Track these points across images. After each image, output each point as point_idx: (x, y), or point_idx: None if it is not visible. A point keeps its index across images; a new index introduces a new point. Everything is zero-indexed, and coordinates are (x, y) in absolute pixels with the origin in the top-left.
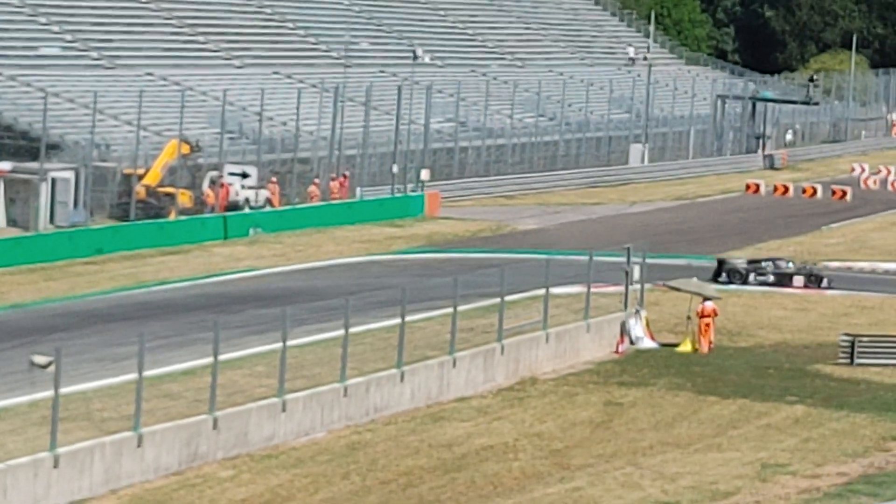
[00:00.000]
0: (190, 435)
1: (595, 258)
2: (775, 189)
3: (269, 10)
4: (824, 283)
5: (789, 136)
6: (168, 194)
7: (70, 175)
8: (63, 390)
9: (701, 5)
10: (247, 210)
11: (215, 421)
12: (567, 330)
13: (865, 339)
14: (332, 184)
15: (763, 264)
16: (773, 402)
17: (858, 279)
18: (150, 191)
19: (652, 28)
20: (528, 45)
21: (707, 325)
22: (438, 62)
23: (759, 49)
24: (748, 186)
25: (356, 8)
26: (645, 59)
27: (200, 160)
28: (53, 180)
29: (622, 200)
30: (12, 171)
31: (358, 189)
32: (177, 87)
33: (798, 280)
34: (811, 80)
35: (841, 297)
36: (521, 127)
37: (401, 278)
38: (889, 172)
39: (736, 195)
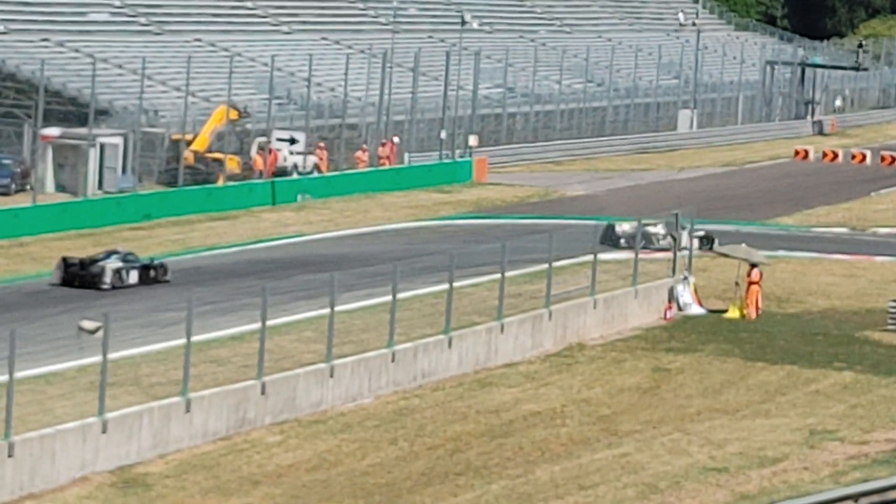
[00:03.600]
0: (238, 400)
1: (644, 224)
2: (824, 155)
3: None
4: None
5: (838, 102)
6: (216, 160)
7: (118, 141)
8: (111, 356)
9: None
10: (295, 176)
11: (263, 386)
12: (615, 296)
13: None
14: (380, 149)
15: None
16: (821, 369)
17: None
18: (199, 156)
19: None
20: (576, 11)
21: (755, 291)
22: (487, 28)
23: (808, 15)
24: (797, 152)
25: None
26: (693, 24)
27: (248, 126)
28: (102, 146)
29: (670, 166)
30: (61, 137)
31: (406, 155)
32: (225, 53)
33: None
34: (860, 45)
35: (890, 263)
36: (570, 93)
37: (448, 244)
38: None
39: (785, 161)
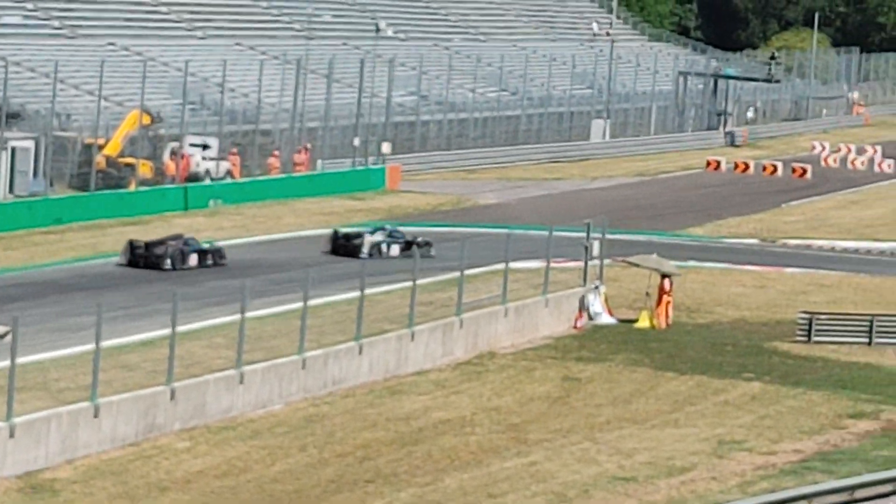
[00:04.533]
0: (147, 406)
1: (555, 233)
2: (736, 166)
3: None
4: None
5: (750, 114)
6: (128, 165)
7: (30, 144)
8: (20, 360)
9: None
10: (207, 181)
11: (173, 392)
12: (526, 304)
13: (823, 316)
14: (296, 156)
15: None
16: (730, 379)
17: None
18: (111, 161)
19: (615, 4)
20: (490, 20)
21: (665, 301)
22: (401, 35)
23: (721, 26)
24: (709, 163)
25: None
26: (608, 34)
27: (161, 131)
28: (13, 149)
29: (583, 176)
30: None
31: (319, 161)
32: (138, 58)
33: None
34: (773, 57)
35: (800, 275)
36: (483, 101)
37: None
38: (849, 151)
39: (697, 172)
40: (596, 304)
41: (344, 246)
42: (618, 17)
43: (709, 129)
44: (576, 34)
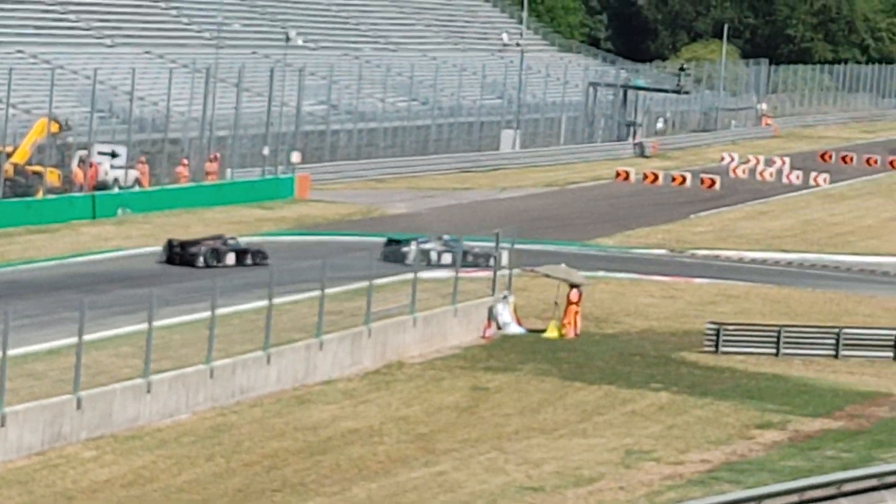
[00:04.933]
0: (53, 415)
1: (464, 243)
2: (645, 177)
3: None
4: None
5: (660, 125)
6: (36, 173)
7: None
8: None
9: None
10: (115, 190)
11: (79, 401)
12: (435, 314)
13: (731, 327)
14: (208, 164)
15: None
16: (638, 389)
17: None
18: (18, 169)
19: (525, 14)
20: (401, 29)
21: (574, 311)
22: (311, 45)
23: (631, 37)
24: (618, 174)
25: None
26: (518, 45)
27: (70, 139)
28: None
29: (493, 186)
30: None
31: (228, 170)
32: (47, 66)
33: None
34: (682, 68)
35: (708, 285)
36: (394, 111)
37: (269, 260)
38: (758, 162)
39: (606, 182)
40: (505, 313)
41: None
42: (528, 28)
43: (618, 139)
44: (486, 44)
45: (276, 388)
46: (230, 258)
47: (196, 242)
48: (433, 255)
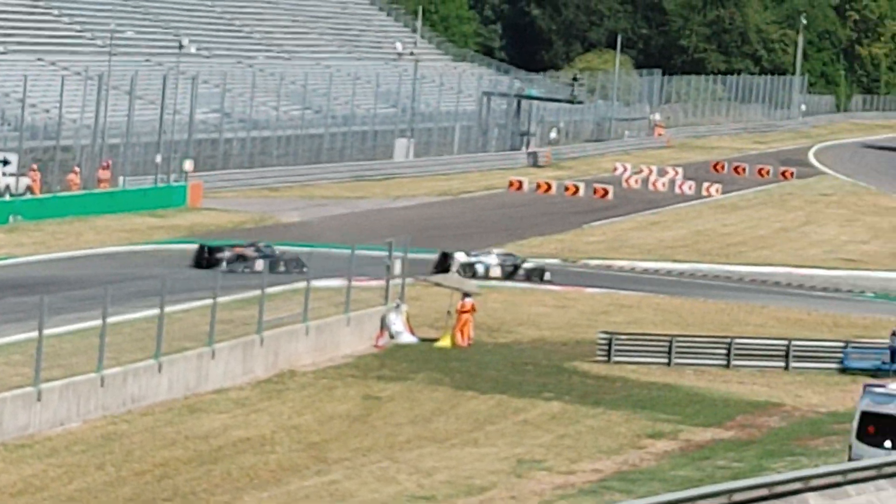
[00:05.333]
0: None
1: (357, 252)
2: (538, 186)
3: None
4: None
5: (553, 134)
6: None
7: None
8: None
9: (469, 2)
10: (7, 197)
11: None
12: (327, 323)
13: (623, 336)
14: (101, 172)
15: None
16: (530, 399)
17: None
18: None
19: (419, 23)
20: (295, 38)
21: (466, 320)
22: (205, 52)
23: (525, 47)
24: (511, 183)
25: None
26: (412, 54)
27: None
28: None
29: (386, 195)
30: None
31: (121, 178)
32: None
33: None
34: (575, 78)
35: (600, 295)
36: (287, 119)
37: (161, 269)
38: (651, 172)
39: (499, 192)
40: (397, 322)
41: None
42: (422, 37)
43: (512, 149)
44: (380, 53)
45: (167, 397)
46: (259, 265)
47: (221, 248)
48: (479, 268)
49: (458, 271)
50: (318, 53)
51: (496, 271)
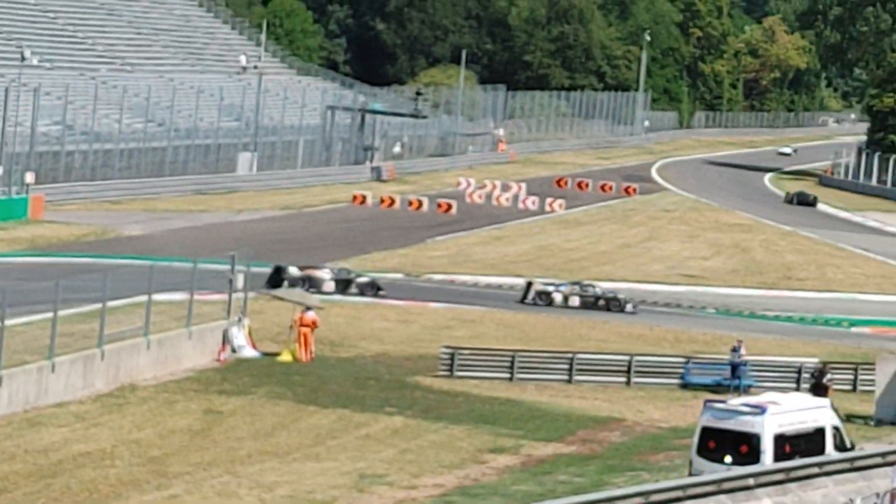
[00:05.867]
0: None
1: (199, 266)
2: (382, 201)
3: None
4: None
5: (397, 149)
6: None
7: None
8: None
9: (313, 16)
10: None
11: None
12: (169, 337)
13: (465, 351)
14: None
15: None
16: (372, 413)
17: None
18: None
19: (263, 37)
20: (138, 50)
21: (307, 334)
22: (47, 64)
23: (370, 61)
24: (355, 197)
25: None
26: (256, 67)
27: None
28: None
29: (229, 208)
30: None
31: None
32: None
33: (354, 288)
34: (419, 93)
35: (443, 310)
36: (130, 132)
37: (1, 281)
38: (494, 187)
39: (343, 206)
40: (239, 336)
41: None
42: (266, 51)
43: (356, 163)
44: (224, 67)
45: (6, 411)
46: (328, 286)
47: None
48: (557, 297)
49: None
50: (161, 66)
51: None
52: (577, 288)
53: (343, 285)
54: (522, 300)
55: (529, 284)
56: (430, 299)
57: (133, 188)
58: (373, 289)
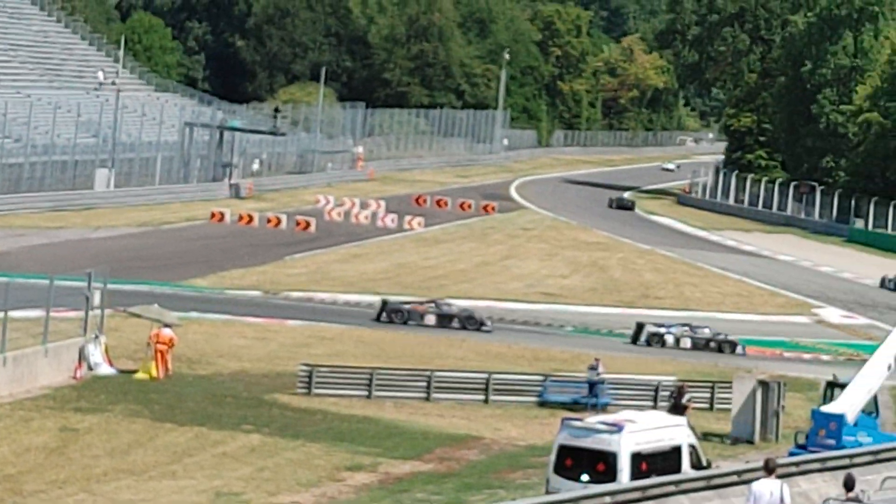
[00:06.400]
0: None
1: (56, 283)
2: (240, 218)
3: None
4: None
5: (256, 166)
6: None
7: None
8: None
9: (172, 32)
10: None
11: None
12: (24, 354)
13: (323, 369)
14: None
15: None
16: (229, 431)
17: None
18: None
19: (122, 53)
20: None
21: (164, 351)
22: None
23: (229, 78)
24: (213, 214)
25: None
26: (114, 83)
27: None
28: None
29: (86, 225)
30: None
31: None
32: None
33: (456, 322)
34: (276, 110)
35: (301, 328)
36: None
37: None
38: (353, 205)
39: (201, 223)
40: (96, 354)
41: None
42: (124, 67)
43: (214, 180)
44: (82, 83)
45: None
46: (430, 319)
47: (404, 303)
48: (669, 339)
49: (647, 340)
50: (18, 82)
51: (686, 343)
52: (687, 329)
53: (445, 319)
54: (634, 342)
55: (641, 326)
56: (288, 317)
57: None
58: (475, 323)
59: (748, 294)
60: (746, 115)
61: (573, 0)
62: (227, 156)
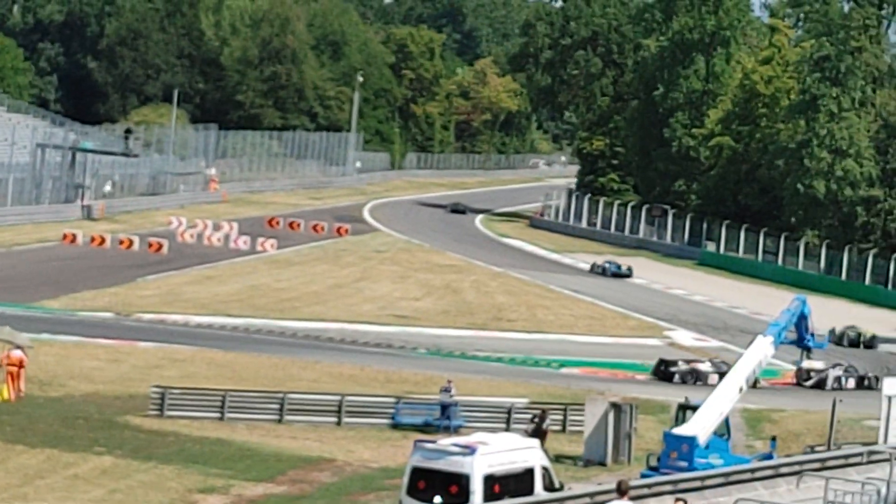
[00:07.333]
0: None
1: None
2: (92, 239)
3: None
4: None
5: (108, 188)
6: None
7: None
8: None
9: (24, 53)
10: None
11: None
12: None
13: (176, 390)
14: None
15: None
16: (81, 453)
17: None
18: None
19: None
20: None
21: (14, 373)
22: None
23: (81, 99)
24: (65, 236)
25: None
26: None
27: None
28: None
29: None
30: None
31: None
32: None
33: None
34: (128, 131)
35: (154, 349)
36: None
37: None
38: (206, 227)
39: (53, 244)
40: None
41: (663, 373)
42: None
43: (66, 201)
44: None
45: None
46: (712, 379)
47: (677, 362)
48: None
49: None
50: None
51: (850, 383)
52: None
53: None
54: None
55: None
56: (140, 338)
57: None
58: (693, 375)
59: (600, 317)
60: (599, 139)
61: (426, 23)
62: (79, 177)
